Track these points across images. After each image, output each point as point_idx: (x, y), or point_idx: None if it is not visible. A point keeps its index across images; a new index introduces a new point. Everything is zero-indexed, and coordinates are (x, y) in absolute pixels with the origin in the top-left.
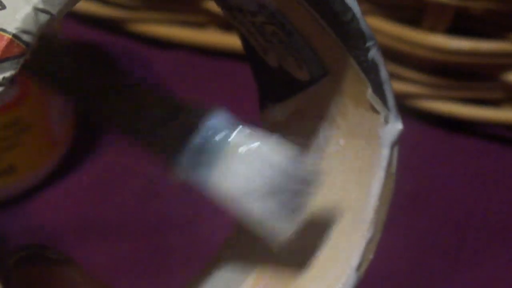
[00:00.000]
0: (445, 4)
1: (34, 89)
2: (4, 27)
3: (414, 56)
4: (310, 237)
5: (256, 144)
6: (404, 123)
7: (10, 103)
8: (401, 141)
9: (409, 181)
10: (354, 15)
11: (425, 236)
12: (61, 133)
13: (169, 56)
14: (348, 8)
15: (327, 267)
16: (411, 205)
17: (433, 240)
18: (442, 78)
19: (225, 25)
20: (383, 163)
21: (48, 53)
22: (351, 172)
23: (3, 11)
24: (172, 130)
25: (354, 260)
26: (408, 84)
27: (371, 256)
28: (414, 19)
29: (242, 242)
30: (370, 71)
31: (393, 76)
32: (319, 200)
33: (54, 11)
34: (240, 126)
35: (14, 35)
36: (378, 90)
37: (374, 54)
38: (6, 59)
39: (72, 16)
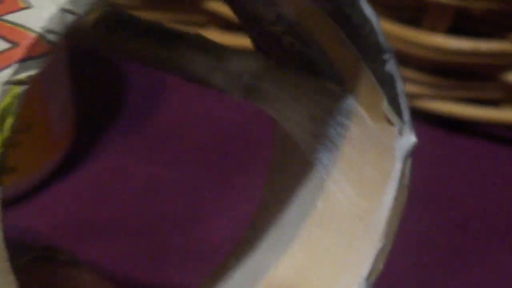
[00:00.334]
0: (445, 4)
1: (34, 89)
2: (30, 25)
3: (414, 56)
4: (320, 246)
5: None
6: None
7: None
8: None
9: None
10: (372, 27)
11: (425, 236)
12: (61, 133)
13: None
14: (366, 20)
15: (337, 275)
16: (411, 205)
17: (433, 240)
18: (442, 78)
19: (225, 25)
20: (396, 174)
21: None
22: (364, 182)
23: (29, 10)
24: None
25: (365, 269)
26: (408, 84)
27: (381, 266)
28: (414, 19)
29: (255, 243)
30: (386, 83)
31: None
32: (330, 209)
33: (80, 11)
34: None
35: (40, 34)
36: (394, 102)
37: (390, 66)
38: (31, 57)
39: None
